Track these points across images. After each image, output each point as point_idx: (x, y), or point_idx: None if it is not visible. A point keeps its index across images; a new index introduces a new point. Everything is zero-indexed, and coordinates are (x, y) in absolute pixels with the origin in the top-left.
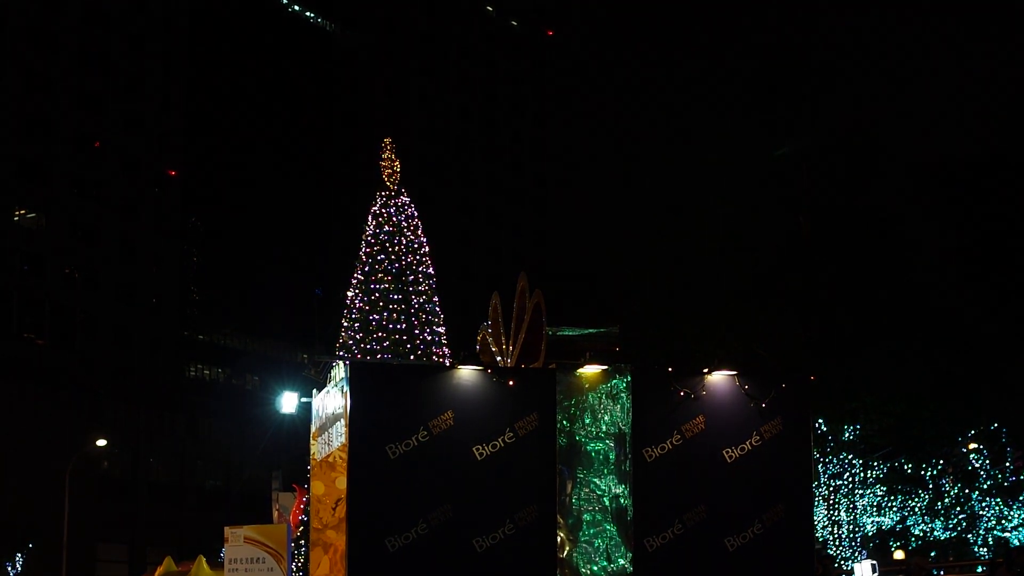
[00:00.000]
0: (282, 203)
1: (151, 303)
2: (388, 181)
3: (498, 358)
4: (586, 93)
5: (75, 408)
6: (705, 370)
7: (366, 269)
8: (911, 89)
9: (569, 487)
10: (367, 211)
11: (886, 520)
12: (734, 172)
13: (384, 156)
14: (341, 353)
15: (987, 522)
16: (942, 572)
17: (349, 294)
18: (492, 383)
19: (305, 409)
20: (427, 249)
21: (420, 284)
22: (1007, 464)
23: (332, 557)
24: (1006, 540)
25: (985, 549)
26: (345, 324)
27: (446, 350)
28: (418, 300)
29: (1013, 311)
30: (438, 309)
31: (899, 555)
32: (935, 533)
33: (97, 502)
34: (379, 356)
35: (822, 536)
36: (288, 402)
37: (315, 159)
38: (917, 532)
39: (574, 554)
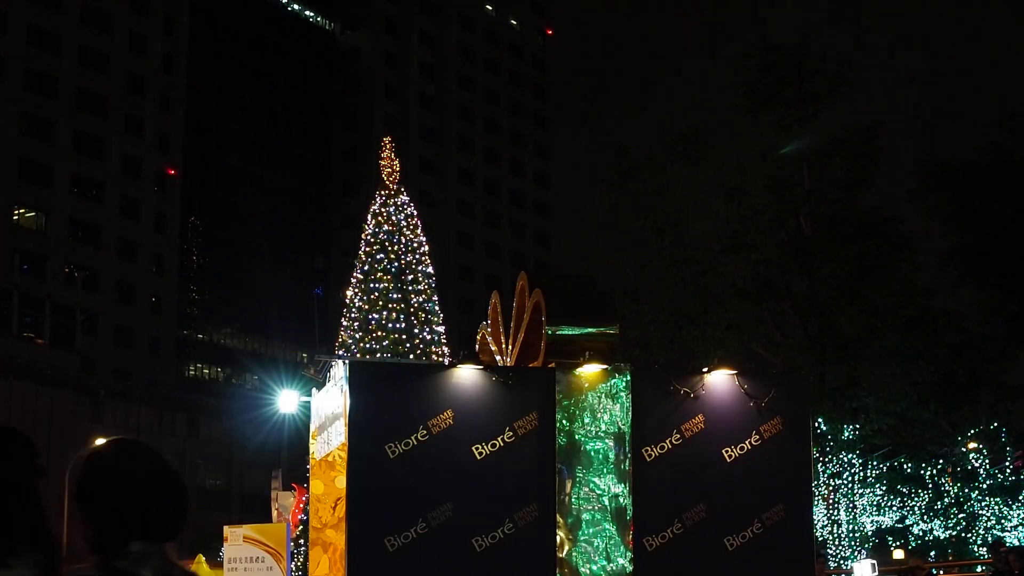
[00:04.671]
0: (282, 203)
1: (151, 303)
2: (388, 181)
3: (498, 357)
4: (586, 91)
5: (75, 408)
6: (705, 369)
7: (365, 268)
8: (912, 89)
9: (568, 486)
10: (367, 211)
11: (886, 520)
12: (735, 171)
13: (384, 156)
14: (341, 352)
15: (987, 522)
16: (942, 572)
17: (348, 293)
18: (492, 382)
19: (305, 408)
20: (426, 248)
21: (419, 283)
22: (1007, 464)
23: (331, 556)
24: (999, 540)
25: (984, 549)
26: (345, 323)
27: (445, 349)
28: (417, 299)
29: (1013, 311)
30: (437, 308)
31: (899, 554)
32: (934, 533)
33: None
34: (379, 355)
35: (822, 536)
36: (288, 402)
37: (315, 159)
38: (916, 531)
39: (573, 553)
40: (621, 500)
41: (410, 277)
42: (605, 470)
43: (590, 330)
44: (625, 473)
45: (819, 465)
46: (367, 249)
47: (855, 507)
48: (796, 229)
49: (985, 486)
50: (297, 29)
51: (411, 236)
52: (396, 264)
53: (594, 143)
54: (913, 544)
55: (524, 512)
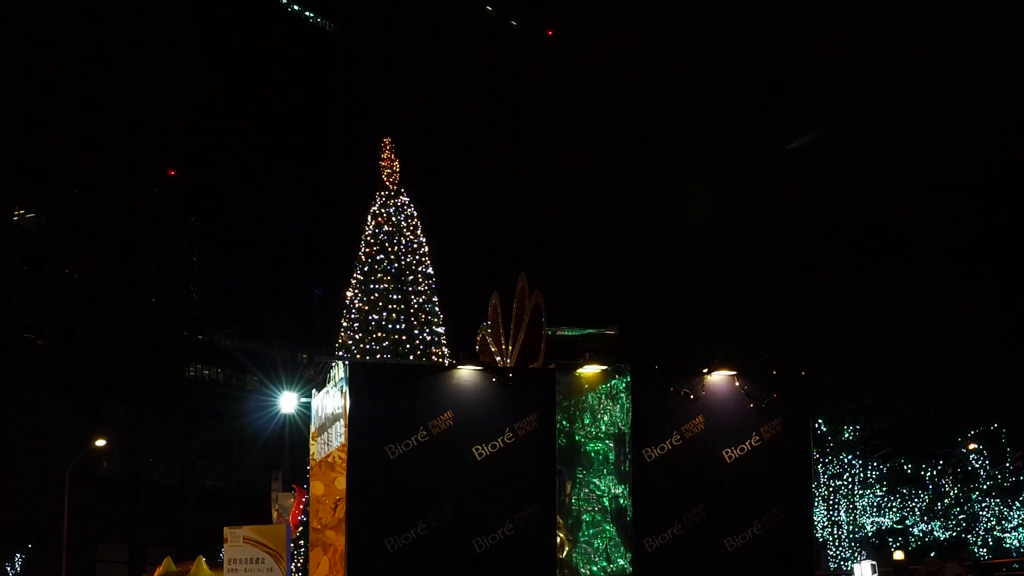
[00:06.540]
0: (282, 203)
1: (151, 303)
2: (388, 181)
3: (498, 358)
4: (586, 91)
5: (75, 408)
6: (705, 370)
7: (365, 269)
8: (912, 88)
9: (569, 487)
10: (367, 211)
11: (886, 520)
12: (735, 171)
13: (383, 156)
14: (340, 353)
15: (987, 522)
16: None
17: (348, 294)
18: (491, 383)
19: (305, 409)
20: (426, 249)
21: (419, 284)
22: (1007, 464)
23: (332, 557)
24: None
25: (985, 549)
26: (344, 324)
27: (445, 350)
28: (417, 300)
29: (1013, 311)
30: (437, 309)
31: (899, 555)
32: (935, 533)
33: (97, 502)
34: (378, 356)
35: (822, 537)
36: (288, 402)
37: (315, 159)
38: (917, 532)
39: (574, 554)
40: (621, 501)
41: (410, 278)
42: (605, 471)
43: (590, 331)
44: (625, 474)
45: (819, 466)
46: (367, 250)
47: (855, 508)
48: (796, 229)
49: (985, 487)
50: (297, 29)
51: (411, 237)
52: (396, 265)
53: (593, 143)
54: (913, 545)
55: (524, 513)
